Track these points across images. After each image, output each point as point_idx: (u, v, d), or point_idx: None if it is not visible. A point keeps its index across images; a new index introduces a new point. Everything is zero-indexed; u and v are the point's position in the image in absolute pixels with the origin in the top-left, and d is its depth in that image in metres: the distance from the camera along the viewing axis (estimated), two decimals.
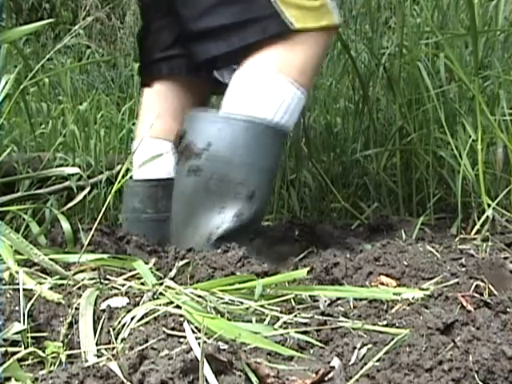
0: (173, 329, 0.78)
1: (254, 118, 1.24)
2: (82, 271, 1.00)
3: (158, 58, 1.44)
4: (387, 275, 1.05)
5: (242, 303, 0.89)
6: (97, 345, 0.79)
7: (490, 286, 0.96)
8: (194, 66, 1.39)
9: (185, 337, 0.74)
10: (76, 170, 1.47)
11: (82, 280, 0.94)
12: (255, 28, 1.25)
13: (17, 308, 0.83)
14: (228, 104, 1.28)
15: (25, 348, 0.78)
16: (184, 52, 1.38)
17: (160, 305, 0.84)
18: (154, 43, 1.45)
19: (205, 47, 1.30)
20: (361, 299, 0.93)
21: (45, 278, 0.94)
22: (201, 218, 1.23)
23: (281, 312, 0.88)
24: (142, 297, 0.88)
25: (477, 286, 0.95)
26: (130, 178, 1.45)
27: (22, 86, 1.36)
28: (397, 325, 0.82)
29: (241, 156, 1.23)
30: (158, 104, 1.45)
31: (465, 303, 0.88)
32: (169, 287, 0.90)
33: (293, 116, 1.29)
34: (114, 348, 0.77)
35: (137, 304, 0.86)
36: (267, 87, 1.26)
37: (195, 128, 1.27)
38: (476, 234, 1.38)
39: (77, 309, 0.84)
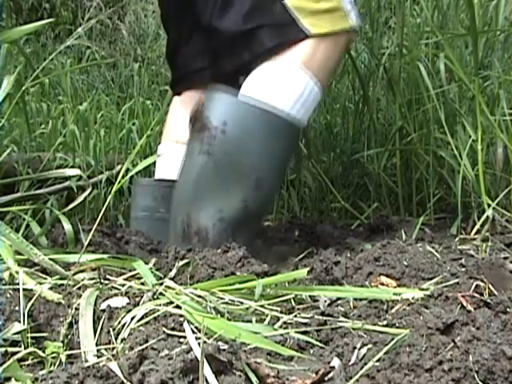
0: (173, 329, 0.78)
1: (271, 108, 1.24)
2: (82, 271, 1.01)
3: (191, 70, 1.48)
4: (387, 275, 1.05)
5: (241, 303, 0.89)
6: (97, 345, 0.79)
7: (490, 286, 0.96)
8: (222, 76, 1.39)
9: (185, 337, 0.74)
10: (77, 171, 1.47)
11: (82, 280, 0.95)
12: (273, 33, 1.27)
13: (17, 308, 0.83)
14: (248, 88, 1.27)
15: (25, 348, 0.78)
16: (211, 63, 1.40)
17: (160, 305, 0.84)
18: (185, 57, 1.48)
19: (228, 58, 1.32)
20: (361, 299, 0.93)
21: (45, 278, 0.95)
22: (206, 199, 1.23)
23: (281, 312, 0.88)
24: (141, 297, 0.88)
25: (477, 286, 0.95)
26: (131, 178, 1.45)
27: (23, 88, 1.36)
28: (397, 325, 0.82)
29: (253, 142, 1.23)
30: (184, 111, 1.46)
31: (465, 303, 0.88)
32: (169, 287, 0.90)
33: (308, 111, 1.30)
34: (113, 348, 0.77)
35: (137, 304, 0.86)
36: (287, 79, 1.26)
37: (213, 105, 1.27)
38: (476, 234, 1.38)
39: (77, 309, 0.84)
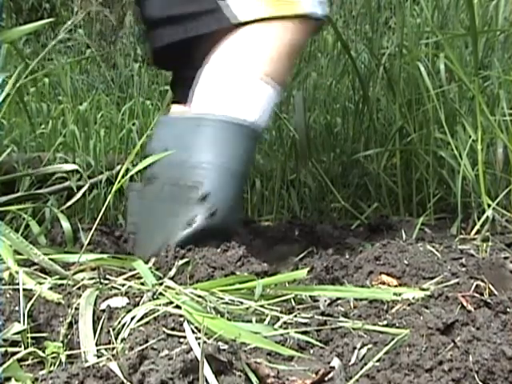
0: (173, 329, 0.78)
1: (213, 117, 1.16)
2: (81, 271, 1.00)
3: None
4: (388, 274, 1.05)
5: (241, 303, 0.89)
6: (97, 345, 0.79)
7: (490, 286, 0.96)
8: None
9: (185, 337, 0.74)
10: (74, 166, 1.47)
11: (82, 280, 0.94)
12: (201, 21, 1.18)
13: (17, 308, 0.83)
14: (193, 103, 1.21)
15: (25, 348, 0.78)
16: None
17: (160, 305, 0.84)
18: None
19: (159, 34, 1.23)
20: (361, 299, 0.93)
21: (45, 278, 0.94)
22: (156, 228, 1.16)
23: (281, 312, 0.88)
24: (141, 297, 0.88)
25: (477, 285, 0.95)
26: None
27: (18, 84, 1.35)
28: (397, 325, 0.82)
29: (196, 156, 1.14)
30: None
31: (465, 303, 0.88)
32: (169, 287, 0.90)
33: (260, 112, 1.19)
34: (113, 348, 0.77)
35: (137, 304, 0.86)
36: (229, 83, 1.18)
37: (155, 134, 1.23)
38: (476, 234, 1.38)
39: (77, 309, 0.84)
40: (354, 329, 0.83)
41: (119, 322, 0.82)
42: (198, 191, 1.11)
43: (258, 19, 1.18)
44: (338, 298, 0.95)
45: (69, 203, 1.36)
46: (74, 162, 1.89)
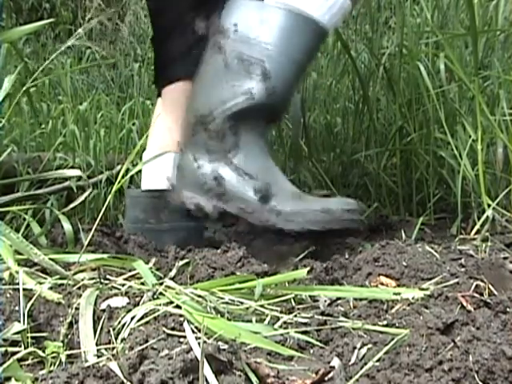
0: (173, 329, 0.78)
1: (287, 6, 1.24)
2: (81, 271, 1.01)
3: (173, 60, 1.44)
4: (387, 276, 1.05)
5: (242, 303, 0.89)
6: (97, 345, 0.79)
7: (490, 286, 0.96)
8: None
9: (185, 337, 0.74)
10: (77, 172, 1.47)
11: (82, 280, 0.95)
12: None
13: (17, 308, 0.83)
14: None
15: (25, 348, 0.78)
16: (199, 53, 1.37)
17: (160, 305, 0.84)
18: (169, 47, 1.44)
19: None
20: (361, 299, 0.93)
21: (45, 278, 0.95)
22: (215, 90, 1.26)
23: (281, 312, 0.88)
24: (141, 297, 0.88)
25: (477, 285, 0.95)
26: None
27: (24, 88, 1.35)
28: (397, 325, 0.82)
29: (265, 39, 1.24)
30: (170, 113, 1.44)
31: (465, 303, 0.88)
32: (169, 287, 0.90)
33: (330, 13, 1.27)
34: (113, 348, 0.77)
35: (137, 304, 0.86)
36: None
37: (227, 9, 1.30)
38: (476, 234, 1.38)
39: (77, 309, 0.84)
40: (353, 329, 0.83)
41: (119, 322, 0.82)
42: (260, 68, 1.23)
43: None
44: (338, 298, 0.95)
45: (70, 206, 1.36)
46: (74, 163, 1.89)
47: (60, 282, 0.94)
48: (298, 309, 0.91)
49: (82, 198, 1.34)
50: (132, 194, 1.46)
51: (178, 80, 1.43)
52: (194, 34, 1.38)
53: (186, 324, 0.76)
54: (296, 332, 0.81)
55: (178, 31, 1.42)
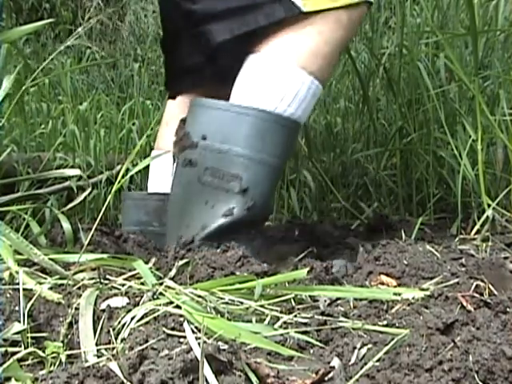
0: (173, 329, 0.78)
1: (253, 108, 1.17)
2: (81, 271, 1.00)
3: (186, 68, 1.42)
4: (387, 274, 1.05)
5: (242, 303, 0.89)
6: (97, 345, 0.79)
7: (490, 286, 0.96)
8: (219, 76, 1.34)
9: (185, 337, 0.74)
10: (77, 171, 1.47)
11: (82, 280, 0.94)
12: (260, 12, 1.17)
13: (17, 308, 0.83)
14: (233, 94, 1.23)
15: (25, 348, 0.78)
16: (208, 64, 1.34)
17: (160, 305, 0.84)
18: (180, 53, 1.42)
19: (208, 33, 1.22)
20: (361, 299, 0.93)
21: (45, 278, 0.95)
22: (193, 212, 1.19)
23: (281, 312, 0.88)
24: (141, 297, 0.88)
25: (477, 285, 0.95)
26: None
27: (23, 88, 1.35)
28: (397, 325, 0.82)
29: (237, 148, 1.17)
30: (178, 116, 1.39)
31: (465, 303, 0.88)
32: (169, 287, 0.90)
33: (302, 106, 1.20)
34: (114, 348, 0.77)
35: (137, 304, 0.86)
36: (272, 75, 1.19)
37: (193, 118, 1.23)
38: (476, 234, 1.38)
39: (77, 309, 0.84)
40: (353, 329, 0.83)
41: (119, 322, 0.82)
42: (237, 184, 1.15)
43: (324, 9, 1.16)
44: (338, 298, 0.95)
45: (70, 205, 1.36)
46: (74, 163, 1.89)
47: (60, 282, 0.94)
48: (298, 309, 0.91)
49: (81, 198, 1.34)
50: (135, 196, 1.46)
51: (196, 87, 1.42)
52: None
53: (185, 324, 0.75)
54: (296, 332, 0.81)
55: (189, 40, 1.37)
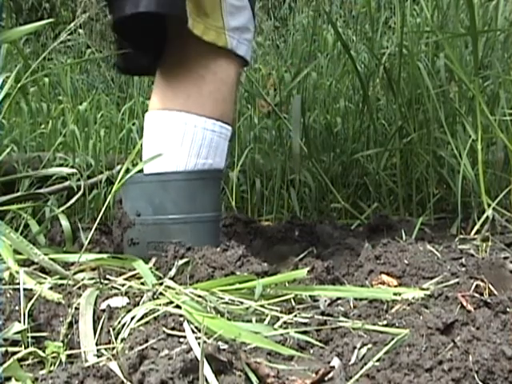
0: (173, 329, 0.78)
1: (174, 172, 1.18)
2: (81, 271, 1.01)
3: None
4: (388, 274, 1.05)
5: (242, 303, 0.89)
6: (97, 345, 0.79)
7: (490, 286, 0.96)
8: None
9: (185, 337, 0.74)
10: (73, 169, 1.47)
11: (82, 280, 0.94)
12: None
13: (17, 308, 0.83)
14: (148, 162, 1.21)
15: (25, 348, 0.78)
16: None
17: (160, 305, 0.84)
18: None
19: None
20: (361, 299, 0.93)
21: (45, 278, 0.95)
22: None
23: (281, 312, 0.88)
24: (141, 297, 0.88)
25: (477, 286, 0.96)
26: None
27: (19, 84, 1.35)
28: (397, 325, 0.82)
29: (171, 216, 1.18)
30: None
31: (465, 303, 0.88)
32: (169, 287, 0.90)
33: (218, 153, 1.22)
34: (113, 348, 0.77)
35: (137, 304, 0.86)
36: (182, 133, 1.19)
37: (125, 197, 1.22)
38: (476, 233, 1.38)
39: (77, 309, 0.84)
40: (353, 329, 0.83)
41: (119, 322, 0.82)
42: (179, 249, 1.12)
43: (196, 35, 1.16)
44: (338, 298, 0.95)
45: (68, 204, 1.36)
46: (74, 163, 1.89)
47: (60, 281, 0.94)
48: (298, 309, 0.90)
49: (78, 196, 1.34)
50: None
51: None
52: None
53: (185, 324, 0.75)
54: (296, 332, 0.81)
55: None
